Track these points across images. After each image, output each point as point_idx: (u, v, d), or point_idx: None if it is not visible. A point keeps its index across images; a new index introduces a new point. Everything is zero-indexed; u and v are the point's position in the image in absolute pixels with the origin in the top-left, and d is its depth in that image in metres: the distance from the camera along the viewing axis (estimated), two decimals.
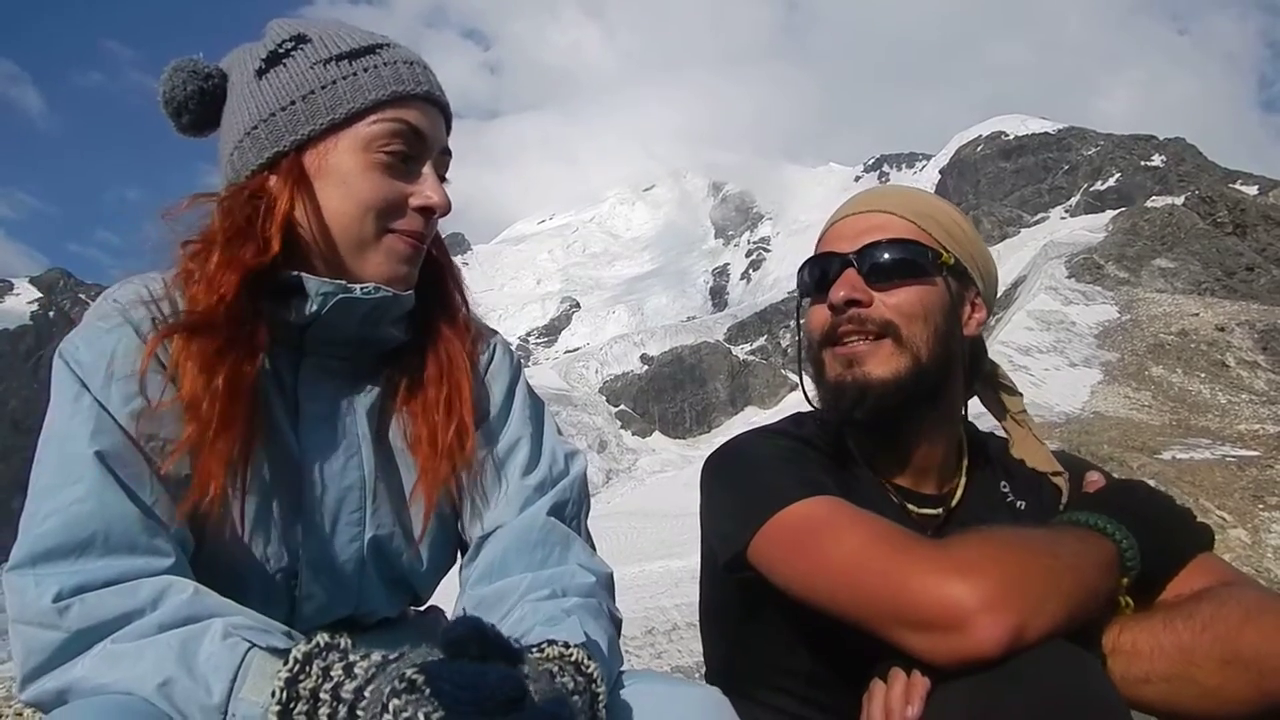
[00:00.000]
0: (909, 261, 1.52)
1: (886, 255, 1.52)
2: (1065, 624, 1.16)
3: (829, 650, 1.43)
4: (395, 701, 0.85)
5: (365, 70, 1.28)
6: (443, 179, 1.36)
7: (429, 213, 1.32)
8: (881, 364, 1.50)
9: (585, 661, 1.01)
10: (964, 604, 1.16)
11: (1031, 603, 1.15)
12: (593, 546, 1.40)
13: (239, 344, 1.22)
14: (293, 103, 1.26)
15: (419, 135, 1.31)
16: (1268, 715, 1.18)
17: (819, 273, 1.59)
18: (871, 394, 1.49)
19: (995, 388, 1.70)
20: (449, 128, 1.39)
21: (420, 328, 1.39)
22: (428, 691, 0.85)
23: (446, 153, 1.37)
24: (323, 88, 1.27)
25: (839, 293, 1.52)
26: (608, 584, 1.34)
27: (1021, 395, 1.69)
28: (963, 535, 1.31)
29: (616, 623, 1.30)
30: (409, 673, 0.87)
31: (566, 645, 1.03)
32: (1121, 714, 1.12)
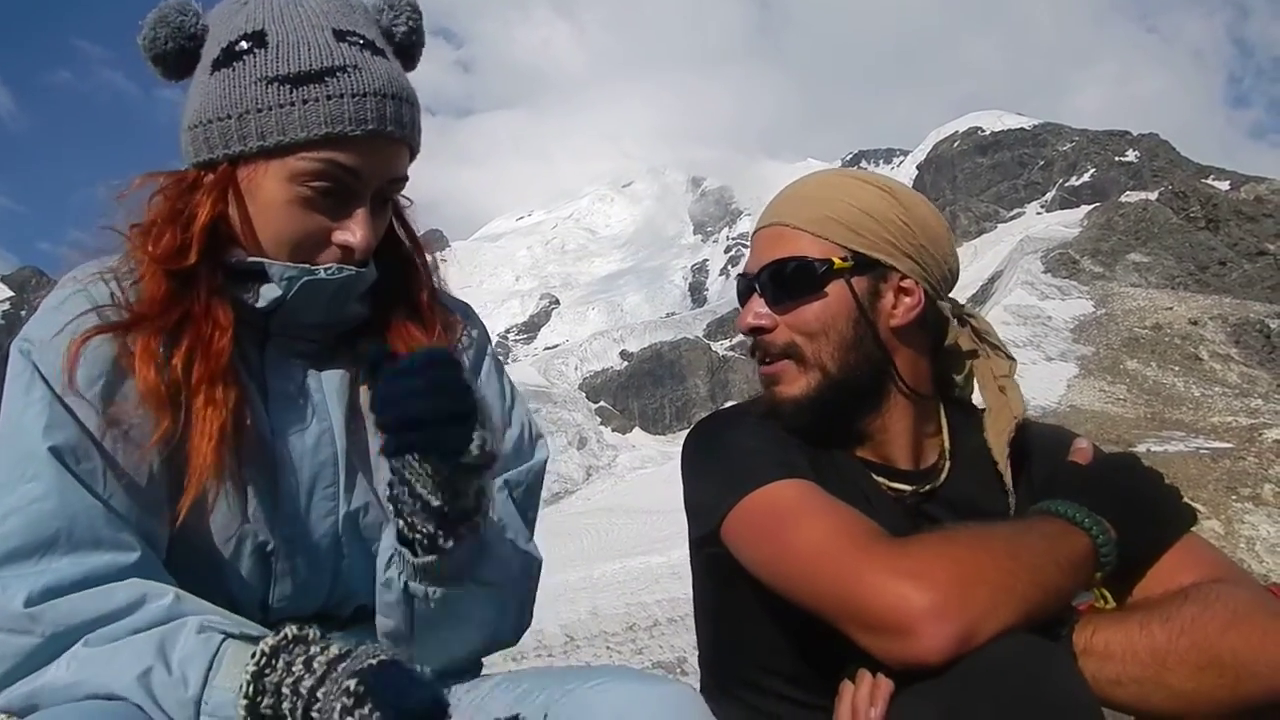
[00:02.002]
0: (800, 279, 1.51)
1: (779, 277, 1.53)
2: (1021, 626, 1.15)
3: (813, 644, 1.43)
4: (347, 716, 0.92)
5: (305, 102, 1.20)
6: (388, 200, 1.32)
7: (349, 252, 1.27)
8: (790, 384, 1.52)
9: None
10: (911, 608, 1.15)
11: (981, 608, 1.14)
12: (532, 531, 1.41)
13: (188, 330, 1.20)
14: (228, 117, 1.21)
15: (353, 174, 1.24)
16: (1240, 714, 1.18)
17: (740, 293, 1.62)
18: (784, 411, 1.52)
19: (974, 350, 1.62)
20: (414, 149, 1.33)
21: (383, 307, 1.38)
22: (369, 706, 0.92)
23: (399, 180, 1.32)
24: (258, 111, 1.20)
25: (745, 320, 1.57)
26: (533, 570, 1.37)
27: (1010, 360, 1.60)
28: (925, 535, 1.30)
29: (521, 603, 1.35)
30: (351, 685, 0.93)
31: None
32: (1091, 710, 1.11)
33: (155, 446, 1.16)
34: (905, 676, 1.18)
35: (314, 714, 0.93)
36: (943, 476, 1.57)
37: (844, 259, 1.50)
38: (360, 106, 1.21)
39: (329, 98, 1.20)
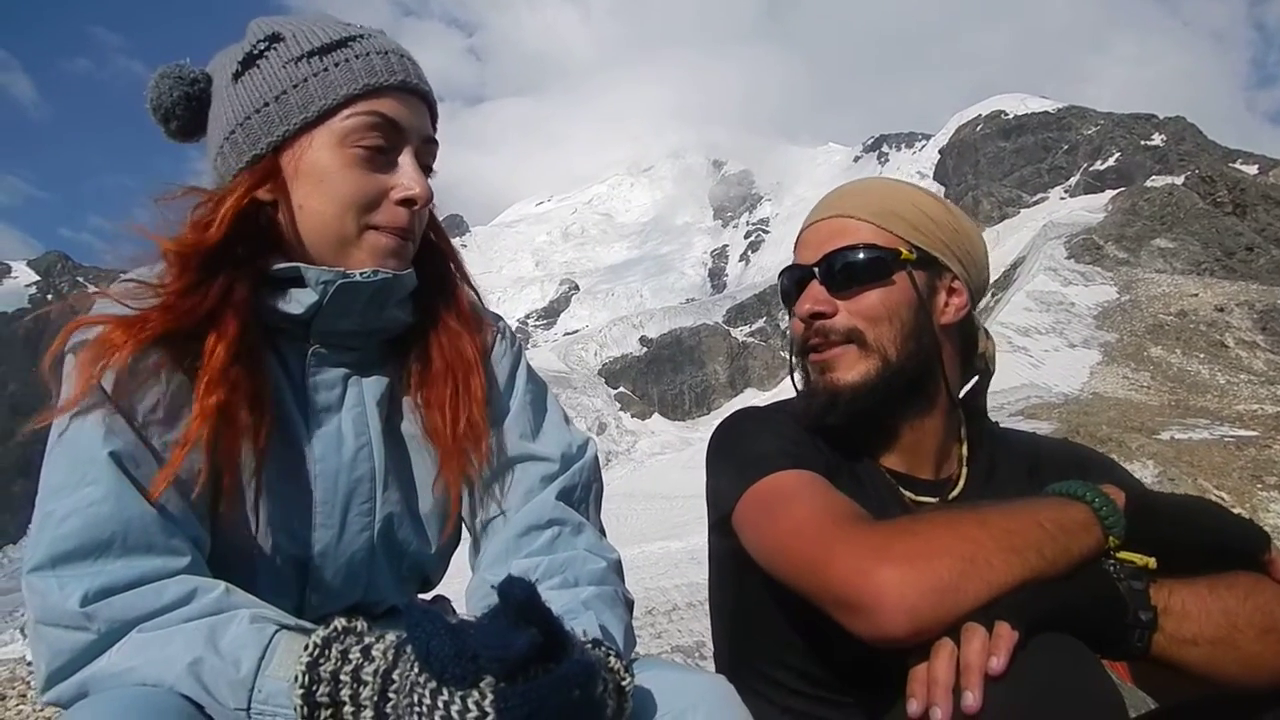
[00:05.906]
0: (867, 266, 1.55)
1: (844, 263, 1.56)
2: (999, 592, 1.15)
3: (823, 640, 1.44)
4: (431, 685, 0.91)
5: (337, 65, 1.27)
6: (428, 168, 1.35)
7: (410, 204, 1.30)
8: (849, 369, 1.54)
9: (617, 666, 1.01)
10: (871, 584, 1.17)
11: (942, 580, 1.15)
12: (603, 531, 1.41)
13: (203, 339, 1.20)
14: (266, 104, 1.26)
15: (395, 126, 1.29)
16: None
17: (789, 285, 1.65)
18: (841, 399, 1.53)
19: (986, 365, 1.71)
20: (434, 116, 1.38)
21: (425, 312, 1.40)
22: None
23: (431, 141, 1.36)
24: (294, 86, 1.26)
25: (804, 306, 1.58)
26: (618, 568, 1.35)
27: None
28: (898, 518, 1.32)
29: (629, 605, 1.32)
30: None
31: (596, 643, 1.04)
32: (1117, 706, 1.10)
33: (191, 450, 1.17)
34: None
35: (390, 694, 0.93)
36: (959, 486, 1.60)
37: (909, 251, 1.55)
38: (387, 61, 1.30)
39: (358, 57, 1.28)
